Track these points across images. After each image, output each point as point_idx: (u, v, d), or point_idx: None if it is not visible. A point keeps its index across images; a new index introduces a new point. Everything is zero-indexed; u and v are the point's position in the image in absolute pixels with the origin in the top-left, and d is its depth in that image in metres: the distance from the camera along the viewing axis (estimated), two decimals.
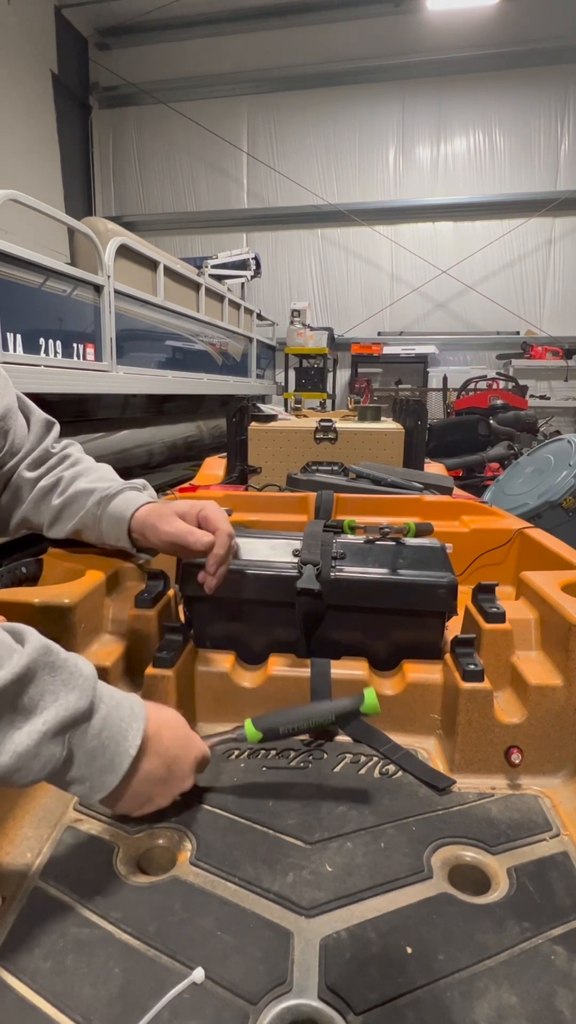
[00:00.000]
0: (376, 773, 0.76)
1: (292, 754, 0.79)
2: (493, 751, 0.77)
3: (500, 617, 0.84)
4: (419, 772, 0.76)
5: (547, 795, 0.74)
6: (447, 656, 0.83)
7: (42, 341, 2.84)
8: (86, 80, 9.08)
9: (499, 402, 6.51)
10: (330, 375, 8.23)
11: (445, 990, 0.50)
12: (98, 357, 3.34)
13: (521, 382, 7.76)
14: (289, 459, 2.19)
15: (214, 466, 2.16)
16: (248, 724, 0.71)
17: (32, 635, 0.55)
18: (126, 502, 0.89)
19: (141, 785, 0.61)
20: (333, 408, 7.66)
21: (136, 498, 0.89)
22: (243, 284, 6.89)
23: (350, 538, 0.99)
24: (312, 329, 7.73)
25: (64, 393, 3.05)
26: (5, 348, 2.58)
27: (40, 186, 7.47)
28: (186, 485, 1.80)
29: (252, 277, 6.76)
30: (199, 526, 0.84)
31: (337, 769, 0.77)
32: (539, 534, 1.23)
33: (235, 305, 5.95)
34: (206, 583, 0.83)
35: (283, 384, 8.16)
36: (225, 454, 2.22)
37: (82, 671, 0.57)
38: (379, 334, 9.17)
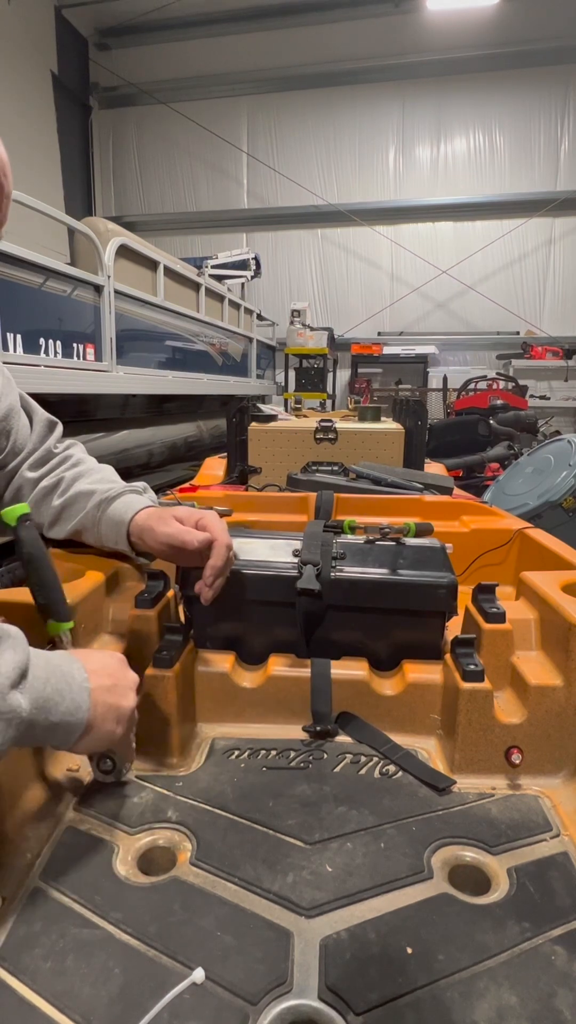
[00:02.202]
0: (376, 773, 0.76)
1: (292, 754, 0.79)
2: (493, 751, 0.77)
3: (500, 617, 0.84)
4: (419, 772, 0.76)
5: (547, 795, 0.74)
6: (447, 656, 0.83)
7: (42, 341, 2.84)
8: (86, 80, 9.08)
9: (499, 402, 6.51)
10: (330, 375, 8.23)
11: (445, 990, 0.50)
12: (98, 357, 3.34)
13: (521, 382, 7.76)
14: (289, 459, 2.19)
15: (214, 466, 2.16)
16: (50, 626, 0.75)
17: None
18: (126, 505, 0.88)
19: (104, 702, 0.63)
20: (333, 408, 7.66)
21: (136, 502, 0.89)
22: (243, 284, 6.89)
23: (350, 538, 0.99)
24: (312, 329, 7.73)
25: (64, 393, 3.06)
26: (5, 348, 2.58)
27: (40, 186, 7.48)
28: (186, 485, 1.80)
29: (252, 277, 6.77)
30: None
31: (337, 769, 0.77)
32: (539, 534, 1.23)
33: (235, 305, 5.95)
34: (202, 594, 0.82)
35: (283, 384, 8.16)
36: (225, 454, 2.22)
37: (9, 632, 0.59)
38: (379, 334, 9.17)
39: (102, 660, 0.67)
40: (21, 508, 0.78)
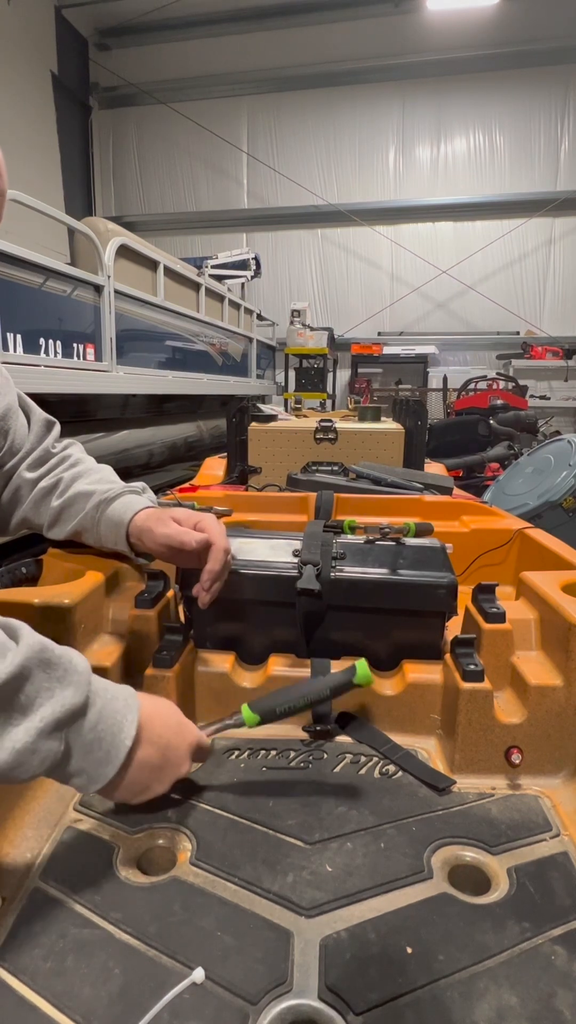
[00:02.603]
0: (376, 773, 0.76)
1: (292, 754, 0.79)
2: (493, 751, 0.77)
3: (500, 617, 0.84)
4: (419, 772, 0.76)
5: (547, 795, 0.74)
6: (447, 656, 0.83)
7: (42, 341, 2.84)
8: (86, 80, 9.08)
9: (499, 402, 6.51)
10: (330, 375, 8.23)
11: (445, 990, 0.50)
12: (98, 357, 3.34)
13: (521, 382, 7.76)
14: (289, 459, 2.19)
15: (214, 466, 2.16)
16: (244, 708, 0.72)
17: (26, 631, 0.55)
18: (125, 506, 0.88)
19: (137, 774, 0.62)
20: (333, 408, 7.66)
21: (135, 502, 0.89)
22: (243, 284, 6.89)
23: (350, 538, 0.99)
24: (312, 329, 7.73)
25: (64, 393, 3.05)
26: (5, 348, 2.58)
27: (40, 186, 7.47)
28: (186, 485, 1.80)
29: (252, 277, 6.77)
30: None
31: (337, 769, 0.77)
32: (539, 534, 1.23)
33: (235, 305, 5.95)
34: (200, 598, 0.82)
35: (283, 384, 8.16)
36: (225, 454, 2.22)
37: (76, 667, 0.57)
38: (379, 334, 9.17)
39: (164, 728, 0.64)
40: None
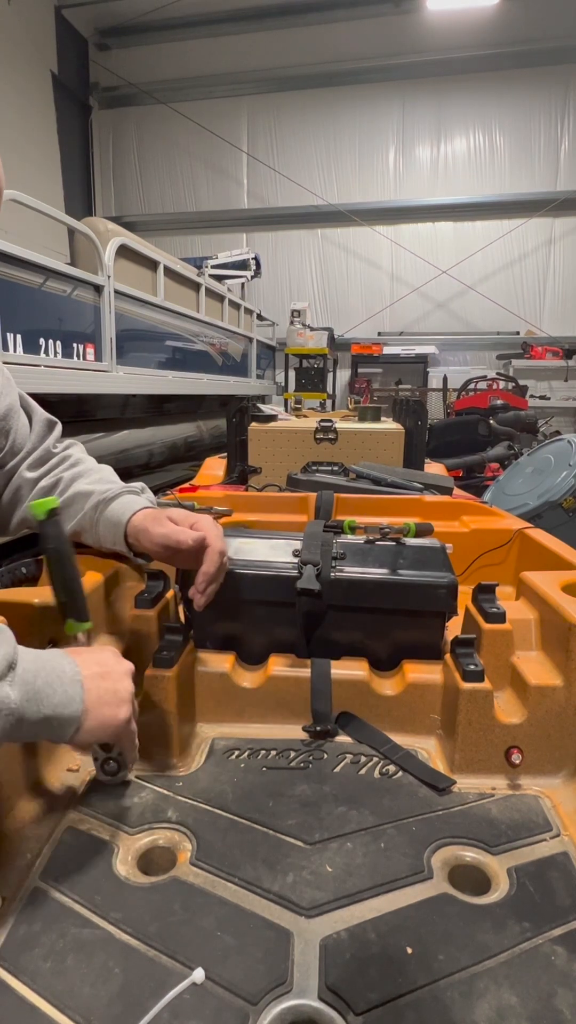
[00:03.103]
0: (376, 773, 0.76)
1: (292, 754, 0.79)
2: (493, 751, 0.77)
3: (500, 617, 0.84)
4: (419, 772, 0.76)
5: (547, 795, 0.74)
6: (447, 656, 0.83)
7: (42, 341, 2.84)
8: (86, 80, 9.07)
9: (499, 402, 6.51)
10: (330, 375, 8.22)
11: (445, 990, 0.50)
12: (98, 357, 3.34)
13: (521, 382, 7.76)
14: (289, 459, 2.19)
15: (214, 466, 2.16)
16: (69, 625, 0.76)
17: None
18: (123, 506, 0.88)
19: (99, 688, 0.63)
20: (333, 408, 7.66)
21: (133, 502, 0.89)
22: (243, 284, 6.89)
23: (350, 538, 0.99)
24: (312, 329, 7.72)
25: (64, 393, 3.05)
26: (5, 348, 2.58)
27: (40, 186, 7.47)
28: (186, 485, 1.80)
29: (252, 277, 6.76)
30: None
31: (337, 769, 0.77)
32: (539, 534, 1.23)
33: (235, 305, 5.95)
34: (195, 600, 0.82)
35: (283, 384, 8.16)
36: (225, 454, 2.22)
37: (1, 629, 0.59)
38: (379, 334, 9.17)
39: (92, 653, 0.68)
40: (51, 502, 0.78)
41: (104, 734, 0.64)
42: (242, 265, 6.48)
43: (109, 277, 3.34)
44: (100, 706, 0.62)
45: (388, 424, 2.37)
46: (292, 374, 7.95)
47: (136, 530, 0.86)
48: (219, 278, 5.81)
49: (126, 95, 9.07)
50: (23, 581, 1.00)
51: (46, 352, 2.87)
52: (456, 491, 1.78)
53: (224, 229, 9.41)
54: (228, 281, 6.15)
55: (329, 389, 8.10)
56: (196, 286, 4.91)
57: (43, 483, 0.93)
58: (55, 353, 2.93)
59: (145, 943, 0.53)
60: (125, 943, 0.53)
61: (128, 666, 0.68)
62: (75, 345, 3.12)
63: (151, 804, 0.70)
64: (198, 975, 0.50)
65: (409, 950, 0.53)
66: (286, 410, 3.81)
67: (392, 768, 0.77)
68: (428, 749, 0.82)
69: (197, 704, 0.87)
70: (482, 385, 7.72)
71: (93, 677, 0.63)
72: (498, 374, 8.02)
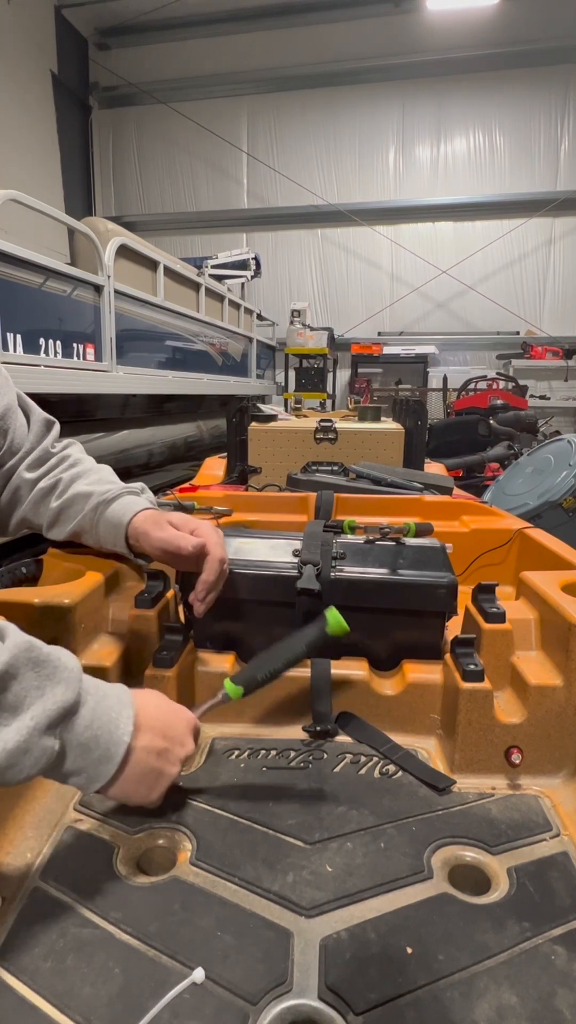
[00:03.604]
0: (376, 773, 0.76)
1: (292, 754, 0.79)
2: (493, 751, 0.77)
3: (500, 617, 0.84)
4: (419, 772, 0.76)
5: (547, 795, 0.74)
6: (447, 656, 0.83)
7: (42, 341, 2.84)
8: (86, 80, 9.07)
9: (499, 402, 6.50)
10: (330, 375, 8.22)
11: (445, 990, 0.50)
12: (98, 357, 3.34)
13: (521, 382, 7.75)
14: (289, 459, 2.19)
15: (214, 466, 2.16)
16: (227, 683, 0.72)
17: (12, 631, 0.55)
18: (123, 507, 0.88)
19: (143, 763, 0.61)
20: (333, 408, 7.66)
21: (133, 503, 0.89)
22: (243, 284, 6.88)
23: (350, 538, 0.99)
24: (312, 329, 7.72)
25: (64, 393, 3.05)
26: (5, 348, 2.58)
27: (40, 186, 7.46)
28: (186, 485, 1.80)
29: (252, 277, 6.76)
30: None
31: (337, 769, 0.77)
32: (539, 534, 1.23)
33: (235, 305, 5.95)
34: (195, 608, 0.82)
35: (283, 384, 8.16)
36: (225, 454, 2.22)
37: (66, 664, 0.57)
38: (379, 334, 9.17)
39: (166, 714, 0.65)
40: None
41: (124, 801, 0.63)
42: (242, 265, 6.48)
43: (109, 277, 3.34)
44: (134, 783, 0.61)
45: (388, 424, 2.37)
46: (292, 374, 7.95)
47: (136, 532, 0.86)
48: (219, 278, 5.81)
49: (126, 95, 9.06)
50: (23, 581, 1.00)
51: (46, 352, 2.87)
52: (456, 491, 1.78)
53: (224, 229, 9.41)
54: (228, 281, 6.14)
55: (329, 389, 8.10)
56: (196, 286, 4.91)
57: (42, 484, 0.93)
58: (55, 353, 2.93)
59: (145, 943, 0.53)
60: (125, 943, 0.53)
61: (190, 746, 0.66)
62: (75, 345, 3.12)
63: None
64: (198, 975, 0.50)
65: (409, 950, 0.53)
66: (286, 410, 3.81)
67: (392, 768, 0.77)
68: (428, 749, 0.82)
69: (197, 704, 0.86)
70: (482, 385, 7.72)
71: (145, 750, 0.61)
72: (498, 374, 8.02)
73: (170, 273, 4.30)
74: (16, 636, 0.54)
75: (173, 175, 9.44)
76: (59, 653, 0.57)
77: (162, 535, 0.83)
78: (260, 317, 6.96)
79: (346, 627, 0.71)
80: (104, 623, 0.91)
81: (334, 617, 0.71)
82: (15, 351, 2.64)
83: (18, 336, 2.66)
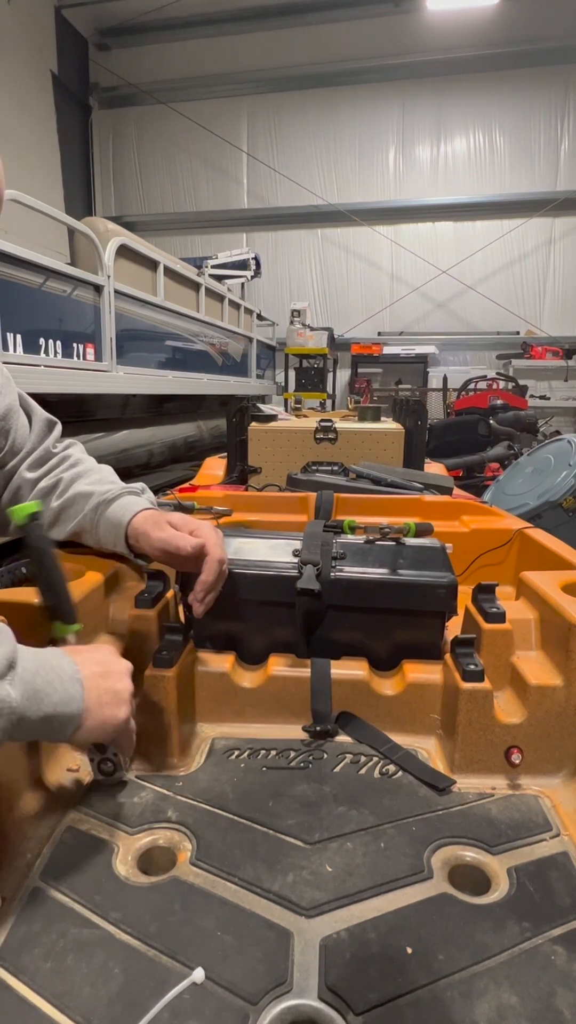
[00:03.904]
0: (376, 773, 0.76)
1: (292, 754, 0.79)
2: (493, 751, 0.77)
3: (500, 617, 0.84)
4: (419, 772, 0.76)
5: (547, 795, 0.74)
6: (447, 656, 0.83)
7: (42, 341, 2.84)
8: (86, 80, 9.07)
9: (499, 402, 6.51)
10: (330, 375, 8.22)
11: (445, 990, 0.50)
12: (98, 357, 3.34)
13: (521, 382, 7.75)
14: (289, 459, 2.19)
15: (214, 466, 2.16)
16: (57, 627, 0.77)
17: None
18: (123, 508, 0.88)
19: (99, 688, 0.63)
20: (333, 408, 7.66)
21: (133, 504, 0.89)
22: (243, 284, 6.89)
23: (350, 538, 0.99)
24: (312, 329, 7.72)
25: (64, 393, 3.05)
26: (5, 348, 2.58)
27: (40, 186, 7.47)
28: (186, 485, 1.80)
29: (252, 277, 6.76)
30: None
31: (337, 769, 0.77)
32: (539, 534, 1.23)
33: (235, 305, 5.95)
34: (194, 609, 0.82)
35: (283, 384, 8.16)
36: (225, 454, 2.22)
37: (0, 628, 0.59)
38: (379, 334, 9.17)
39: (91, 651, 0.68)
40: (32, 506, 0.78)
41: (103, 734, 0.64)
42: (242, 265, 6.48)
43: (109, 277, 3.34)
44: (100, 706, 0.63)
45: (388, 424, 2.37)
46: (292, 374, 7.95)
47: (136, 532, 0.86)
48: (219, 278, 5.81)
49: (126, 95, 9.07)
50: (23, 581, 1.00)
51: (46, 352, 2.87)
52: (456, 491, 1.78)
53: (224, 229, 9.41)
54: (228, 281, 6.14)
55: (329, 389, 8.10)
56: (196, 286, 4.91)
57: (43, 483, 0.93)
58: (55, 353, 2.93)
59: (145, 943, 0.53)
60: (125, 943, 0.53)
61: (127, 665, 0.68)
62: (75, 345, 3.12)
63: (151, 804, 0.70)
64: (198, 975, 0.50)
65: (409, 950, 0.53)
66: (286, 410, 3.81)
67: (392, 768, 0.77)
68: (428, 749, 0.82)
69: (197, 704, 0.87)
70: (482, 385, 7.72)
71: (93, 676, 0.63)
72: (498, 374, 8.02)
73: (170, 273, 4.30)
74: None
75: (173, 175, 9.45)
76: None
77: (162, 535, 0.83)
78: (260, 317, 6.96)
79: (28, 510, 0.77)
80: (104, 623, 0.91)
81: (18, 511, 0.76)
82: (15, 351, 2.64)
83: (18, 336, 2.66)
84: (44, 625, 0.80)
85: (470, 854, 0.64)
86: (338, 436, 2.20)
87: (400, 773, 0.76)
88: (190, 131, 8.92)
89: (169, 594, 0.92)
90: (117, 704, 0.64)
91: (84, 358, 3.20)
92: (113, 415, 4.02)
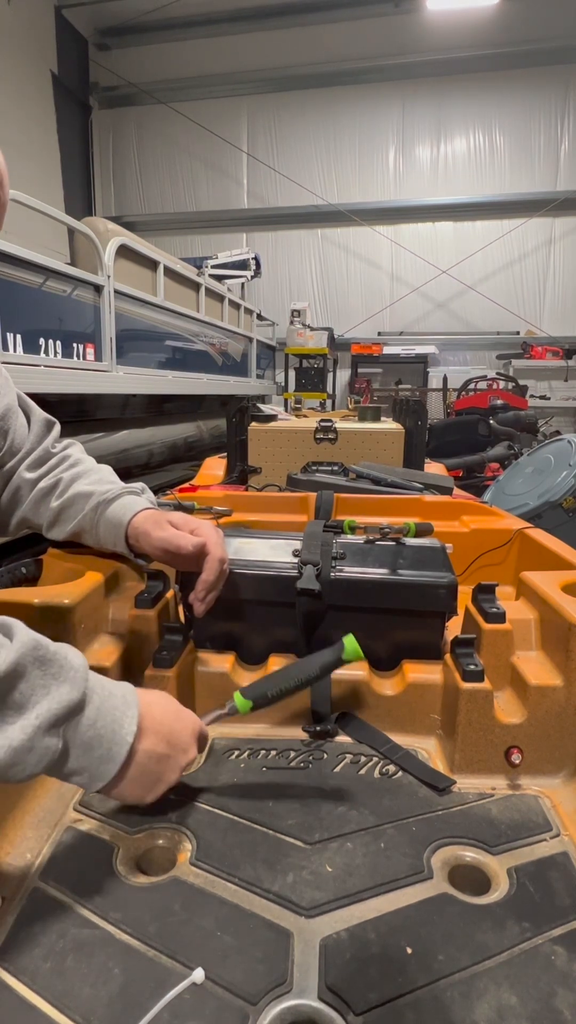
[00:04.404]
0: (376, 773, 0.76)
1: (292, 754, 0.79)
2: (493, 751, 0.77)
3: (500, 617, 0.84)
4: (419, 772, 0.76)
5: (547, 795, 0.74)
6: (447, 656, 0.83)
7: (42, 341, 2.84)
8: (86, 80, 9.07)
9: (499, 402, 6.50)
10: (330, 375, 8.22)
11: (445, 990, 0.50)
12: (98, 357, 3.34)
13: (521, 382, 7.75)
14: (289, 459, 2.19)
15: (214, 466, 2.16)
16: (237, 696, 0.72)
17: (20, 628, 0.55)
18: (123, 507, 0.88)
19: (144, 767, 0.61)
20: (333, 408, 7.66)
21: (133, 503, 0.89)
22: (243, 284, 6.89)
23: (350, 538, 0.99)
24: (312, 329, 7.72)
25: (64, 393, 3.05)
26: (5, 348, 2.58)
27: (40, 186, 7.47)
28: (186, 485, 1.80)
29: (252, 277, 6.76)
30: None
31: (337, 769, 0.77)
32: (539, 534, 1.23)
33: (235, 305, 5.95)
34: (195, 608, 0.82)
35: (283, 384, 8.16)
36: (225, 454, 2.22)
37: (72, 663, 0.57)
38: (379, 334, 9.17)
39: (171, 719, 0.64)
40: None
41: (122, 801, 0.63)
42: (242, 265, 6.48)
43: (109, 277, 3.34)
44: (133, 784, 0.60)
45: (388, 424, 2.37)
46: (292, 374, 7.95)
47: (136, 532, 0.86)
48: (219, 278, 5.81)
49: (126, 95, 9.07)
50: (23, 581, 1.00)
51: (46, 352, 2.87)
52: (456, 491, 1.78)
53: (224, 229, 9.41)
54: (228, 281, 6.14)
55: (329, 389, 8.10)
56: (196, 286, 4.91)
57: (42, 484, 0.93)
58: (55, 353, 2.93)
59: (145, 943, 0.53)
60: (125, 943, 0.53)
61: (192, 753, 0.66)
62: (75, 345, 3.12)
63: (151, 804, 0.70)
64: (198, 975, 0.50)
65: (409, 950, 0.53)
66: (286, 410, 3.81)
67: (392, 768, 0.77)
68: (428, 749, 0.82)
69: (197, 704, 0.87)
70: (482, 385, 7.72)
71: (147, 753, 0.61)
72: (498, 374, 8.02)
73: (170, 273, 4.30)
74: (23, 634, 0.54)
75: (173, 175, 9.45)
76: (66, 651, 0.57)
77: (162, 535, 0.83)
78: (260, 317, 6.96)
79: (362, 655, 0.72)
80: (104, 623, 0.91)
81: (351, 644, 0.71)
82: (15, 351, 2.64)
83: (18, 336, 2.66)
84: (45, 625, 0.80)
85: (470, 854, 0.64)
86: (338, 436, 2.20)
87: (400, 773, 0.76)
88: (190, 131, 8.92)
89: (169, 594, 0.92)
90: (150, 789, 0.62)
91: (84, 358, 3.20)
92: (113, 415, 4.02)
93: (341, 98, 8.67)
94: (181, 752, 0.65)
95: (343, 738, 0.82)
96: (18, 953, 0.52)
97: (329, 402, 7.91)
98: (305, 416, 3.30)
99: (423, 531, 1.04)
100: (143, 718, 0.61)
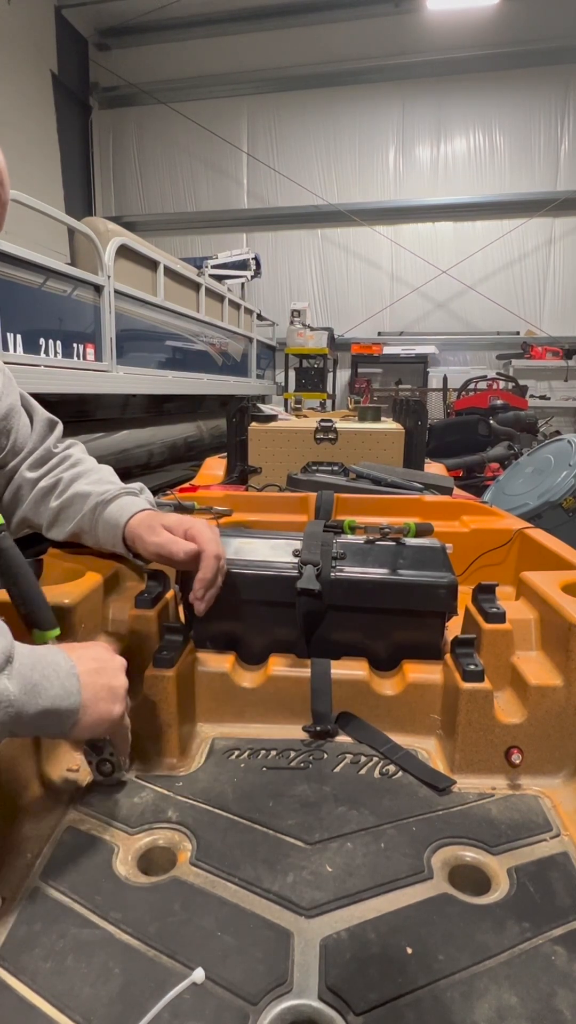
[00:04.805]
0: (376, 773, 0.76)
1: (292, 754, 0.79)
2: (493, 751, 0.77)
3: (500, 617, 0.84)
4: (419, 772, 0.76)
5: (547, 795, 0.74)
6: (447, 656, 0.83)
7: (42, 341, 2.84)
8: (86, 80, 9.08)
9: (499, 402, 6.51)
10: (330, 375, 8.23)
11: (445, 990, 0.50)
12: (98, 357, 3.34)
13: (521, 382, 7.76)
14: (289, 459, 2.19)
15: (214, 466, 2.16)
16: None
17: None
18: (121, 508, 0.88)
19: (95, 684, 0.64)
20: (333, 408, 7.66)
21: (132, 504, 0.89)
22: (243, 284, 6.89)
23: (350, 538, 0.99)
24: (312, 329, 7.73)
25: (64, 393, 3.05)
26: (5, 348, 2.58)
27: (40, 186, 7.47)
28: (186, 485, 1.80)
29: (252, 277, 6.76)
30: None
31: (337, 769, 0.77)
32: (539, 534, 1.23)
33: (235, 305, 5.95)
34: (195, 607, 0.82)
35: (283, 384, 8.16)
36: (225, 454, 2.22)
37: None
38: (379, 334, 9.17)
39: (85, 648, 0.68)
40: None
41: (100, 729, 0.65)
42: (242, 265, 6.48)
43: (109, 277, 3.34)
44: (96, 701, 0.63)
45: (388, 424, 2.37)
46: (292, 374, 7.95)
47: (133, 535, 0.86)
48: (219, 278, 5.81)
49: (126, 95, 9.07)
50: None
51: (46, 352, 2.87)
52: (456, 491, 1.78)
53: (224, 229, 9.41)
54: (228, 281, 6.15)
55: (329, 389, 8.11)
56: (196, 286, 4.91)
57: (43, 483, 0.93)
58: (55, 353, 2.94)
59: (145, 943, 0.53)
60: (125, 943, 0.53)
61: (121, 661, 0.69)
62: (75, 345, 3.12)
63: (151, 804, 0.70)
64: (198, 975, 0.50)
65: (409, 950, 0.53)
66: (286, 410, 3.81)
67: (392, 768, 0.77)
68: (428, 749, 0.81)
69: (197, 704, 0.87)
70: (482, 385, 7.72)
71: (89, 672, 0.63)
72: (498, 374, 8.02)
73: (170, 273, 4.30)
74: None
75: (173, 175, 9.45)
76: None
77: (156, 540, 0.83)
78: (260, 317, 6.96)
79: None
80: (104, 623, 0.91)
81: None
82: (15, 351, 2.64)
83: (18, 336, 2.66)
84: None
85: (470, 854, 0.64)
86: (338, 436, 2.20)
87: (400, 773, 0.76)
88: (190, 131, 8.92)
89: (169, 594, 0.92)
90: (113, 700, 0.65)
91: (84, 358, 3.20)
92: (113, 415, 4.02)
93: (341, 98, 8.68)
94: (109, 659, 0.67)
95: (343, 738, 0.82)
96: (18, 953, 0.52)
97: (329, 402, 7.91)
98: (305, 416, 3.30)
99: (423, 531, 1.04)
100: (67, 652, 0.64)
